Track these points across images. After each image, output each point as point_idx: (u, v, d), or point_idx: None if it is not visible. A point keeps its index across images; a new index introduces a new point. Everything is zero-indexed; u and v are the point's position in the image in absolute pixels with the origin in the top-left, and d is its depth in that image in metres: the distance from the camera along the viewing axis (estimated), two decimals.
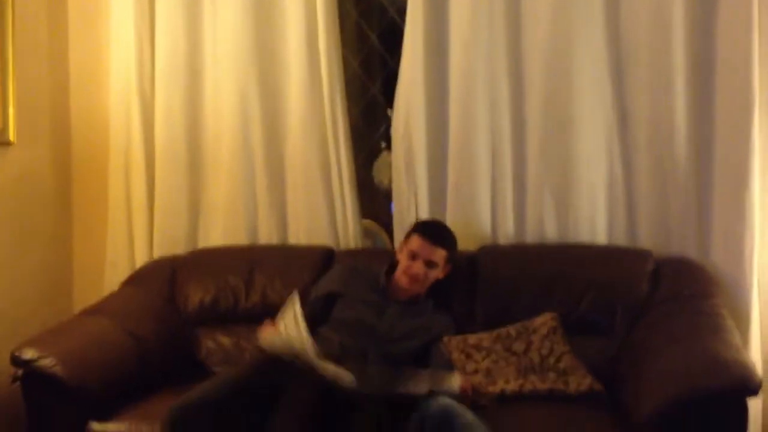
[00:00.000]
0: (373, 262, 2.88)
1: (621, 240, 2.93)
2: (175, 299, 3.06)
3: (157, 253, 3.28)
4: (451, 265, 2.76)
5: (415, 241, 2.71)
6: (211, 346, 2.99)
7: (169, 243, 3.27)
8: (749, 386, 2.06)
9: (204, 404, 2.29)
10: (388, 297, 2.72)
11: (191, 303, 3.03)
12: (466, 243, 2.98)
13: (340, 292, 2.73)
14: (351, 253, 3.08)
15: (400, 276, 2.71)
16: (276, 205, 3.22)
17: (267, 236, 3.23)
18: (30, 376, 2.51)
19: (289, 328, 2.40)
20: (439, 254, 2.70)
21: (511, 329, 2.69)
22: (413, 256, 2.68)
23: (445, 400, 2.13)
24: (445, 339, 2.66)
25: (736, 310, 2.69)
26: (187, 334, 2.99)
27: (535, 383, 2.52)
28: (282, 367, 2.47)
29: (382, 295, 2.73)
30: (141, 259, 3.28)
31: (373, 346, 2.57)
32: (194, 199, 3.30)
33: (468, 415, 2.09)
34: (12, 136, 3.10)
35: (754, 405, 2.57)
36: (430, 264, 2.68)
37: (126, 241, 3.31)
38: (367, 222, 3.38)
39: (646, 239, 2.90)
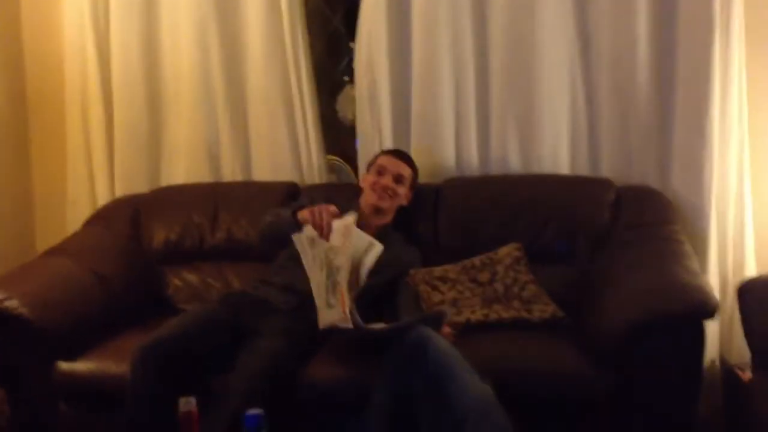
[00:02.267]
0: (338, 197, 2.85)
1: (583, 170, 2.96)
2: (139, 238, 3.04)
3: (119, 191, 3.24)
4: (414, 193, 2.79)
5: (382, 159, 2.78)
6: (178, 284, 2.99)
7: (131, 181, 3.23)
8: (706, 309, 2.13)
9: (173, 341, 2.30)
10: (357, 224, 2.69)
11: (156, 241, 3.02)
12: (430, 176, 3.00)
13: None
14: (316, 189, 3.07)
15: (368, 195, 2.74)
16: (239, 142, 3.19)
17: (231, 173, 3.21)
18: None
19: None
20: (406, 170, 2.77)
21: (476, 260, 2.73)
22: (381, 172, 2.74)
23: (420, 329, 2.16)
24: (411, 272, 2.68)
25: (695, 236, 2.74)
26: (152, 273, 2.98)
27: (499, 312, 2.57)
28: (251, 303, 2.50)
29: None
30: (102, 198, 3.24)
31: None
32: (155, 137, 3.25)
33: (442, 342, 2.12)
34: None
35: (712, 327, 2.65)
36: (398, 179, 2.75)
37: (86, 180, 3.27)
38: (332, 157, 3.36)
39: (608, 169, 2.93)
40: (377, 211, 2.73)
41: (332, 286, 2.40)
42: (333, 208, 2.40)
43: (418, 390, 2.06)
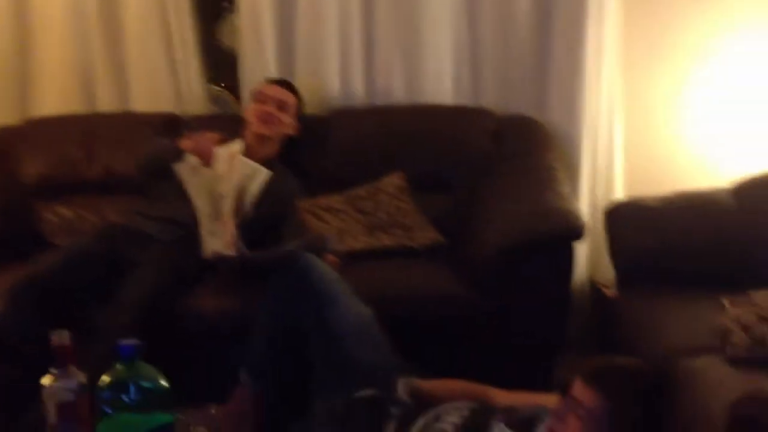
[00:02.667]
0: (222, 128, 2.80)
1: (466, 100, 3.01)
2: (10, 172, 2.91)
3: None
4: (301, 124, 2.76)
5: (264, 87, 2.71)
6: (52, 219, 2.88)
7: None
8: (575, 231, 2.24)
9: (48, 277, 2.25)
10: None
11: (28, 175, 2.89)
12: (316, 106, 2.99)
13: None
14: (197, 119, 3.00)
15: (252, 124, 2.68)
16: (114, 70, 3.06)
17: (107, 103, 3.09)
18: None
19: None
20: (290, 97, 2.72)
21: (361, 190, 2.76)
22: (264, 100, 2.68)
23: (303, 254, 2.18)
24: (296, 203, 2.69)
25: (569, 164, 2.86)
26: (25, 207, 2.86)
27: (382, 240, 2.62)
28: (129, 235, 2.45)
29: None
30: None
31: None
32: (22, 64, 3.08)
33: (325, 269, 2.15)
34: None
35: (582, 250, 2.80)
36: (281, 106, 2.69)
37: None
38: (214, 87, 3.28)
39: (490, 99, 2.99)
40: (261, 139, 2.68)
41: (215, 214, 2.39)
42: (215, 135, 2.36)
43: (301, 315, 2.10)
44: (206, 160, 2.32)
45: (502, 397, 1.85)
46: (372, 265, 2.50)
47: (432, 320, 2.31)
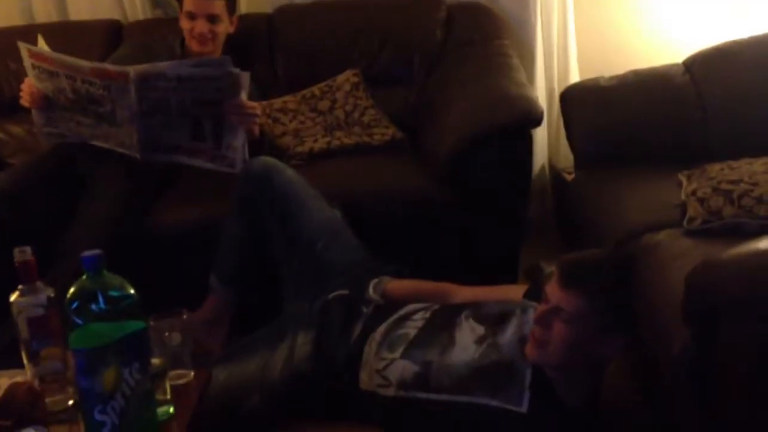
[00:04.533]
0: (165, 33, 2.71)
1: None
2: None
3: None
4: (237, 18, 2.64)
5: (187, 1, 2.55)
6: (2, 137, 2.80)
7: None
8: (531, 118, 2.24)
9: (4, 198, 2.19)
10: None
11: None
12: (261, 4, 2.91)
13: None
14: (140, 25, 2.90)
15: (189, 42, 2.58)
16: None
17: (45, 14, 2.97)
18: None
19: None
20: (217, 5, 2.55)
21: (315, 89, 2.72)
22: (192, 17, 2.54)
23: (265, 158, 2.16)
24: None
25: (523, 50, 2.84)
26: None
27: (341, 139, 2.60)
28: (87, 151, 2.39)
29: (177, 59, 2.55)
30: None
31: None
32: None
33: (288, 171, 2.14)
34: None
35: (540, 135, 2.82)
36: (211, 18, 2.54)
37: None
38: None
39: None
40: (201, 54, 2.54)
41: None
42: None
43: (267, 219, 2.10)
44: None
45: (468, 291, 1.87)
46: (332, 163, 2.49)
47: (397, 214, 2.32)
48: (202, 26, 2.52)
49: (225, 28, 2.59)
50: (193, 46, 2.56)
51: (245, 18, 2.90)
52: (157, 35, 2.72)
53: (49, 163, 2.36)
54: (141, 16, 2.99)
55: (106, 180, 2.29)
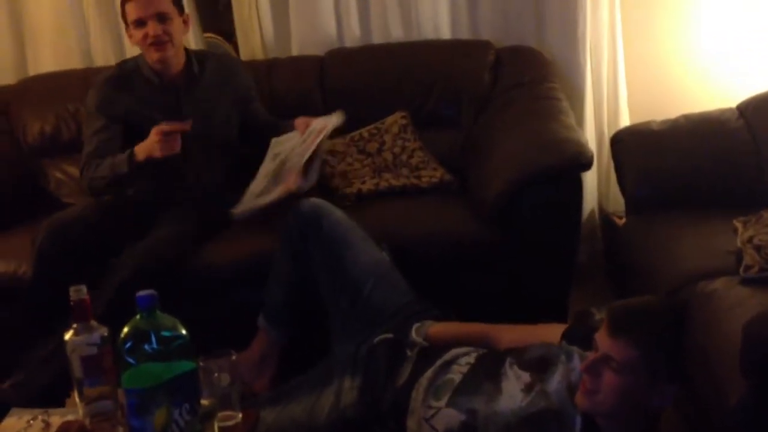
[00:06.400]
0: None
1: (464, 34, 2.96)
2: (12, 132, 2.89)
3: None
4: (185, 14, 2.51)
5: (129, 9, 2.39)
6: (59, 177, 2.87)
7: None
8: (581, 161, 2.22)
9: (75, 233, 2.24)
10: (166, 87, 2.47)
11: (31, 135, 2.87)
12: (312, 48, 2.95)
13: (117, 115, 2.44)
14: None
15: (147, 53, 2.42)
16: (108, 23, 3.02)
17: (103, 57, 3.04)
18: None
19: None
20: (162, 3, 2.39)
21: (364, 131, 2.74)
22: (141, 23, 2.38)
23: (314, 200, 2.18)
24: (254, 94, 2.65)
25: (572, 93, 2.83)
26: (32, 168, 2.86)
27: (389, 180, 2.61)
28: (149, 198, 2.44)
29: (155, 90, 2.46)
30: None
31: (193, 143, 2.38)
32: (16, 24, 3.05)
33: (336, 213, 2.15)
34: None
35: (590, 179, 2.80)
36: (161, 17, 2.38)
37: None
38: (210, 35, 3.24)
39: (487, 31, 2.94)
40: (165, 61, 2.43)
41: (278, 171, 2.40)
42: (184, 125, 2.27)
43: (315, 260, 2.11)
44: (172, 147, 2.25)
45: (508, 332, 1.86)
46: (381, 206, 2.50)
47: (445, 256, 2.31)
48: (154, 28, 2.37)
49: (178, 27, 2.44)
50: (153, 55, 2.41)
51: (296, 60, 2.96)
52: (115, 70, 2.57)
53: (112, 203, 2.41)
54: None
55: (162, 221, 2.34)
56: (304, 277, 2.14)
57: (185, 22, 2.49)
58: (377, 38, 2.98)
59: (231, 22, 3.09)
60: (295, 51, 3.00)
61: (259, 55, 3.03)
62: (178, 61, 2.47)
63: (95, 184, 2.40)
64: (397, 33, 2.97)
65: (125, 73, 2.50)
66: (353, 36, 2.98)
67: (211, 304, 2.32)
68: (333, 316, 2.10)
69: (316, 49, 2.96)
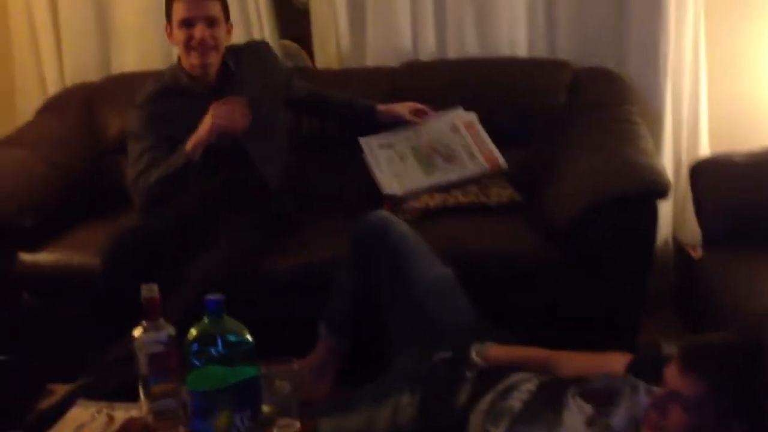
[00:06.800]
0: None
1: (541, 52, 2.93)
2: (93, 128, 2.96)
3: (69, 80, 3.15)
4: (231, 23, 2.50)
5: (179, 7, 2.34)
6: None
7: (80, 69, 3.14)
8: (658, 189, 2.17)
9: (146, 232, 2.27)
10: (202, 94, 2.43)
11: (110, 131, 2.93)
12: (387, 59, 2.96)
13: (165, 133, 2.41)
14: None
15: (187, 56, 2.36)
16: None
17: None
18: None
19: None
20: (214, 5, 2.36)
21: None
22: (188, 23, 2.32)
23: (381, 212, 2.19)
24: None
25: (651, 117, 2.76)
26: (109, 163, 2.91)
27: (457, 197, 2.59)
28: (217, 205, 2.46)
29: (197, 98, 2.41)
30: (52, 87, 3.15)
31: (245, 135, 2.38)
32: (102, 23, 3.13)
33: (402, 226, 2.15)
34: None
35: (665, 207, 2.72)
36: (210, 21, 2.33)
37: (34, 69, 3.17)
38: (287, 42, 3.27)
39: (566, 51, 2.91)
40: (204, 67, 2.40)
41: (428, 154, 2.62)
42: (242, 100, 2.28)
43: (379, 273, 2.10)
44: (236, 127, 2.24)
45: (571, 360, 1.81)
46: (448, 221, 2.49)
47: (511, 276, 2.29)
48: (201, 31, 2.31)
49: (224, 34, 2.40)
50: (194, 59, 2.35)
51: (370, 71, 2.97)
52: (154, 86, 2.54)
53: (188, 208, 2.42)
54: None
55: (231, 228, 2.36)
56: (367, 288, 2.13)
57: (229, 31, 2.48)
58: (452, 52, 2.97)
59: (308, 29, 3.12)
60: (369, 61, 3.01)
61: (334, 64, 3.05)
62: (213, 71, 2.44)
63: (155, 190, 2.34)
64: (472, 48, 2.95)
65: (165, 87, 2.47)
66: (428, 49, 2.98)
67: (271, 310, 2.33)
68: (394, 328, 2.08)
69: (390, 60, 2.96)
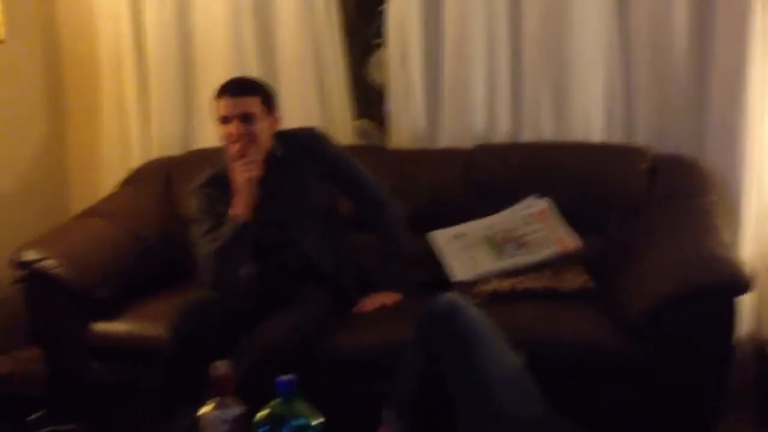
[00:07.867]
0: (365, 160, 2.73)
1: (617, 137, 2.91)
2: (173, 200, 3.05)
3: (153, 154, 3.27)
4: (277, 113, 2.53)
5: (219, 105, 2.44)
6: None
7: (164, 145, 3.26)
8: (739, 284, 2.10)
9: (210, 305, 2.32)
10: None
11: (187, 204, 3.01)
12: (462, 141, 2.98)
13: (222, 212, 2.45)
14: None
15: (229, 151, 2.43)
16: None
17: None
18: (32, 277, 2.54)
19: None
20: (250, 103, 2.42)
21: None
22: (225, 120, 2.41)
23: (451, 295, 2.15)
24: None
25: (730, 209, 2.70)
26: (186, 235, 2.98)
27: (525, 282, 2.55)
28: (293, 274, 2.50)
29: None
30: (136, 161, 3.27)
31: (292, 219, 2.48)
32: (187, 100, 3.27)
33: (473, 310, 2.12)
34: (2, 33, 3.07)
35: (746, 302, 2.62)
36: (245, 118, 2.40)
37: (120, 144, 3.30)
38: (362, 122, 3.34)
39: (643, 136, 2.88)
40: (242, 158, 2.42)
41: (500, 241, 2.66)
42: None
43: (447, 358, 2.07)
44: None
45: None
46: (516, 307, 2.43)
47: (580, 368, 2.24)
48: (237, 127, 2.39)
49: (264, 126, 2.45)
50: (233, 153, 2.41)
51: (443, 152, 3.00)
52: (207, 172, 2.62)
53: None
54: (345, 143, 3.14)
55: (304, 296, 2.39)
56: (434, 372, 2.10)
57: (275, 122, 2.51)
58: (527, 134, 2.98)
59: (382, 110, 3.18)
60: (443, 142, 3.04)
61: (408, 144, 3.09)
62: (259, 156, 2.44)
63: (222, 278, 2.38)
64: (548, 130, 2.95)
65: (216, 173, 2.53)
66: (503, 130, 2.99)
67: (331, 391, 2.29)
68: (461, 416, 2.04)
69: (464, 141, 2.98)
